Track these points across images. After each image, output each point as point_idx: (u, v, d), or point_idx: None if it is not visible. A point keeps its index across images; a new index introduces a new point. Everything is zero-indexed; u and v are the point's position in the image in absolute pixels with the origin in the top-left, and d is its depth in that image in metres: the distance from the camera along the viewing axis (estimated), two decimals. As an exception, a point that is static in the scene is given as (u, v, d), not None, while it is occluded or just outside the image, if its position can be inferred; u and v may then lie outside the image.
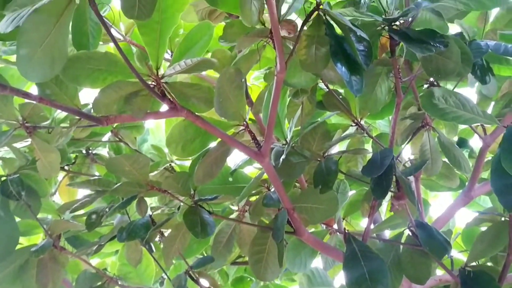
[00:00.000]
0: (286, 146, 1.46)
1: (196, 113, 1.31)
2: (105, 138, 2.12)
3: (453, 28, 1.62)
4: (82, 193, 1.96)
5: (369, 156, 1.71)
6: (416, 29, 1.39)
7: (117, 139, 2.09)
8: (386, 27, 1.35)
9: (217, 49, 1.60)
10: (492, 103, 1.86)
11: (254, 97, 1.91)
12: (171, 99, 1.28)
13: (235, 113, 1.32)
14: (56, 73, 1.16)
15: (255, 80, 2.13)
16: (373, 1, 1.49)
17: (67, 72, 1.23)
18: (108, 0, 1.38)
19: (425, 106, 1.40)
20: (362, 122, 1.85)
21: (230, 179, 1.64)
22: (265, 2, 1.16)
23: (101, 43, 1.64)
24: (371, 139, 1.84)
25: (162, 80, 1.28)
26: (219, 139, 1.39)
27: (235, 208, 1.81)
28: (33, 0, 1.06)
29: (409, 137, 1.65)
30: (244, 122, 1.37)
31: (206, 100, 1.31)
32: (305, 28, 1.25)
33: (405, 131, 1.62)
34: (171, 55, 1.97)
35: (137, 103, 1.27)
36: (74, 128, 1.33)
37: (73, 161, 2.13)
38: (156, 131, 2.39)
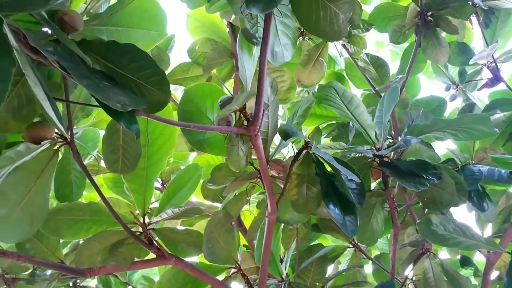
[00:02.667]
0: (283, 284, 1.38)
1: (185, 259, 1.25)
2: (93, 269, 2.02)
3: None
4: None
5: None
6: (407, 158, 1.37)
7: (105, 270, 1.99)
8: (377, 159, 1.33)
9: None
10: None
11: (247, 223, 1.85)
12: (158, 246, 1.22)
13: (227, 257, 1.26)
14: (36, 230, 1.10)
15: (247, 205, 2.08)
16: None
17: (48, 225, 1.18)
18: (94, 146, 1.35)
19: (424, 233, 1.35)
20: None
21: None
22: (252, 147, 1.13)
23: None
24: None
25: (149, 227, 1.23)
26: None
27: None
28: (13, 159, 1.02)
29: (410, 265, 1.57)
30: (237, 264, 1.30)
31: (195, 245, 1.25)
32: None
33: (406, 260, 1.54)
34: (161, 183, 1.94)
35: (122, 252, 1.20)
36: (56, 282, 1.25)
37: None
38: (146, 259, 2.29)
